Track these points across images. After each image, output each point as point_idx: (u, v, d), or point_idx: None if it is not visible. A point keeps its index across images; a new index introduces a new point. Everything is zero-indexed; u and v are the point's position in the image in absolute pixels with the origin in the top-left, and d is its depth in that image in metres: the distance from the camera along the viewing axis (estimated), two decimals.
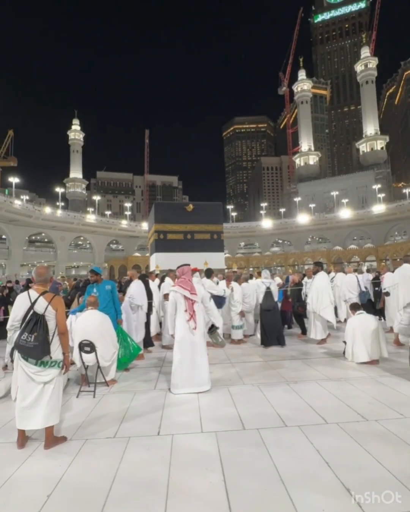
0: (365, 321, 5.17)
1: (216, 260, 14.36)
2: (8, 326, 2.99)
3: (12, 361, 4.85)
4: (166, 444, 2.84)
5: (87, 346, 4.13)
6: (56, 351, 2.86)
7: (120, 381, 4.63)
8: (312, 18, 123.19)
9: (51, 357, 2.80)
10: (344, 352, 5.42)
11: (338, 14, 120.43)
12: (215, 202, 16.14)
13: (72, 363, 4.37)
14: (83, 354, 4.16)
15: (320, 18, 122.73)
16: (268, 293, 6.65)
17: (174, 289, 4.25)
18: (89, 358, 4.17)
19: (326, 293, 6.53)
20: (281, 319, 7.20)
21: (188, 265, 4.49)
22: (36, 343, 2.69)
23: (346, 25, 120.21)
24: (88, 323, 4.30)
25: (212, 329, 4.72)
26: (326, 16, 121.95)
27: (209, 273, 7.27)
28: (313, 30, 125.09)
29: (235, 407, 3.59)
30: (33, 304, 2.78)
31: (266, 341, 6.50)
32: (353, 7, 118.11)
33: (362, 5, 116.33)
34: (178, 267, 4.48)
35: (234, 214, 65.49)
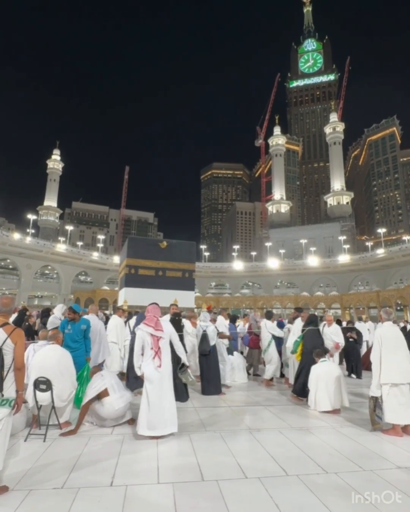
0: (328, 369, 5.26)
1: (186, 298, 14.30)
2: None
3: None
4: (119, 495, 2.65)
5: (43, 384, 3.88)
6: (9, 388, 2.68)
7: (75, 423, 4.32)
8: (288, 83, 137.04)
9: (2, 395, 2.62)
10: (307, 400, 5.42)
11: (310, 82, 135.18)
12: (189, 241, 16.43)
13: (25, 402, 4.07)
14: (38, 393, 3.90)
15: (294, 84, 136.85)
16: (204, 336, 6.40)
17: (140, 326, 4.22)
18: (44, 397, 3.90)
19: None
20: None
21: (156, 304, 4.50)
22: None
23: (317, 93, 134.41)
24: (47, 359, 4.08)
25: (182, 367, 4.62)
26: (300, 82, 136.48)
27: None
28: (288, 93, 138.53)
29: (195, 456, 3.44)
30: None
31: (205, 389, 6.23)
32: (324, 78, 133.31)
33: (331, 77, 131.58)
34: (148, 305, 4.47)
35: (206, 253, 66.38)
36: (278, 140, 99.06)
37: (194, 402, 5.61)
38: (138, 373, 4.06)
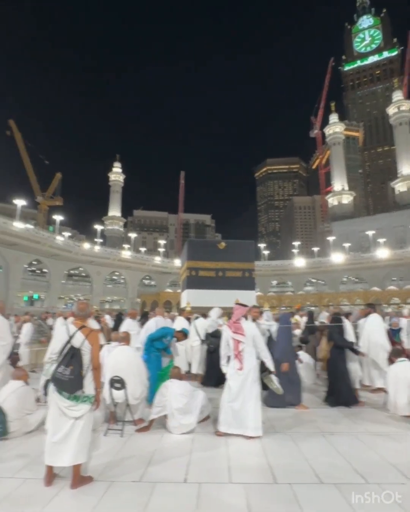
0: (408, 369, 4.82)
1: (247, 298, 14.19)
2: (46, 359, 3.13)
3: (45, 394, 4.98)
4: (193, 492, 2.72)
5: (117, 382, 4.15)
6: (88, 386, 2.91)
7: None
8: (343, 66, 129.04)
9: (83, 392, 2.85)
10: (385, 403, 5.02)
11: (368, 62, 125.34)
12: (247, 240, 16.29)
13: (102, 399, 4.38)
14: (113, 391, 4.18)
15: (350, 66, 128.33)
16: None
17: (223, 328, 4.32)
18: (118, 395, 4.17)
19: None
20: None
21: (241, 304, 4.41)
22: (71, 376, 2.77)
23: (377, 72, 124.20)
24: (119, 359, 4.36)
25: (265, 372, 4.51)
26: (357, 64, 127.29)
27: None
28: (343, 77, 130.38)
29: (266, 458, 3.39)
30: (71, 338, 2.90)
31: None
32: (383, 55, 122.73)
33: (393, 53, 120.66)
34: (234, 305, 4.47)
35: (266, 252, 65.25)
36: (336, 128, 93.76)
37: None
38: (224, 370, 4.19)
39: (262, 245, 66.39)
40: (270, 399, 5.17)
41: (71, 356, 2.81)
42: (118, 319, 8.00)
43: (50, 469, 2.87)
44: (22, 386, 4.23)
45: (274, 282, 63.07)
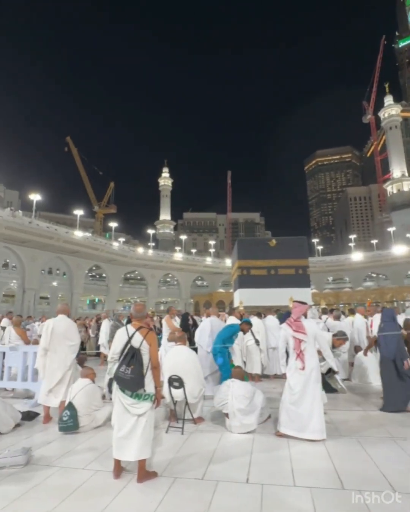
0: None
1: (302, 296, 13.74)
2: (109, 358, 3.29)
3: (109, 391, 5.26)
4: (256, 493, 2.69)
5: (176, 381, 4.25)
6: (149, 384, 3.01)
7: (208, 420, 4.60)
8: (397, 43, 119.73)
9: (145, 390, 2.96)
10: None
11: None
12: (299, 236, 15.78)
13: (162, 397, 4.52)
14: (172, 389, 4.29)
15: (406, 42, 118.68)
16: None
17: (282, 326, 4.25)
18: (177, 394, 4.27)
19: None
20: None
21: (300, 302, 4.27)
22: (132, 375, 2.89)
23: None
24: (176, 359, 4.46)
25: (329, 372, 4.35)
26: None
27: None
28: (398, 54, 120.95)
29: (331, 461, 3.24)
30: (130, 338, 3.03)
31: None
32: None
33: None
34: (293, 303, 4.36)
35: (319, 247, 62.70)
36: (391, 110, 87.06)
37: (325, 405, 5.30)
38: (283, 370, 4.11)
39: (315, 241, 63.92)
40: (391, 404, 4.80)
41: (132, 356, 2.94)
42: (185, 320, 8.11)
43: (117, 462, 3.02)
44: (90, 384, 4.51)
45: (330, 278, 60.37)
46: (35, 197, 39.57)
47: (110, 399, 4.94)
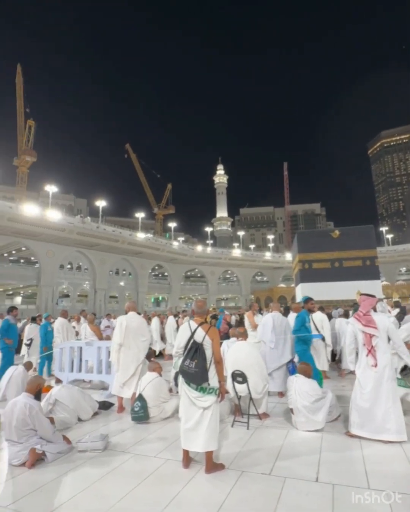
0: None
1: (371, 288, 12.84)
2: (173, 353, 3.42)
3: (175, 385, 5.47)
4: (326, 493, 2.60)
5: (239, 376, 4.27)
6: (213, 379, 3.07)
7: (273, 416, 4.55)
8: None
9: (209, 384, 3.03)
10: None
11: None
12: (365, 225, 14.78)
13: (226, 392, 4.58)
14: (236, 384, 4.32)
15: None
16: None
17: (349, 321, 4.06)
18: (241, 388, 4.29)
19: None
20: None
21: (368, 295, 4.02)
22: (196, 369, 2.98)
23: None
24: (238, 354, 4.48)
25: (405, 370, 4.06)
26: None
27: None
28: None
29: None
30: (193, 333, 3.12)
31: None
32: None
33: None
34: (360, 296, 4.15)
35: (389, 236, 58.02)
36: None
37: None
38: (351, 368, 3.92)
39: (383, 229, 59.40)
40: None
41: (195, 350, 3.03)
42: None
43: (186, 453, 3.14)
44: (157, 377, 4.74)
45: (403, 269, 55.56)
46: (101, 203, 42.57)
47: (177, 392, 5.15)
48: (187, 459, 3.15)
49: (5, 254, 39.23)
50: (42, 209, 34.02)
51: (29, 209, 32.42)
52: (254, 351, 4.56)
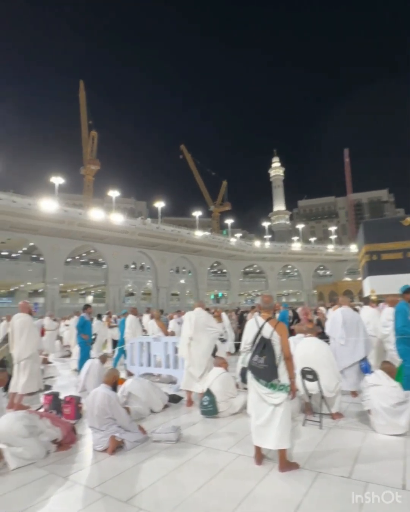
0: None
1: None
2: (241, 348, 3.41)
3: (242, 380, 5.46)
4: None
5: (309, 374, 4.11)
6: (283, 375, 2.99)
7: (347, 416, 4.31)
8: None
9: (279, 381, 2.96)
10: None
11: None
12: None
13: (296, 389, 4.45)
14: (306, 382, 4.17)
15: None
16: None
17: None
18: (312, 386, 4.13)
19: None
20: None
21: None
22: (265, 365, 2.93)
23: None
24: (307, 351, 4.31)
25: None
26: None
27: None
28: None
29: None
30: (260, 329, 3.07)
31: None
32: None
33: None
34: None
35: None
36: None
37: None
38: None
39: None
40: None
41: (263, 346, 2.97)
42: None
43: (258, 449, 3.11)
44: (224, 373, 4.78)
45: None
46: (159, 204, 44.15)
47: (244, 388, 5.14)
48: (260, 456, 3.12)
49: (77, 257, 42.59)
50: (106, 213, 36.30)
51: (95, 214, 34.79)
52: (324, 347, 4.36)
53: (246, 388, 5.00)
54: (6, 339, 6.11)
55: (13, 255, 39.03)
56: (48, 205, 31.10)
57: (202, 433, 4.01)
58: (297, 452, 3.31)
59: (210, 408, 4.47)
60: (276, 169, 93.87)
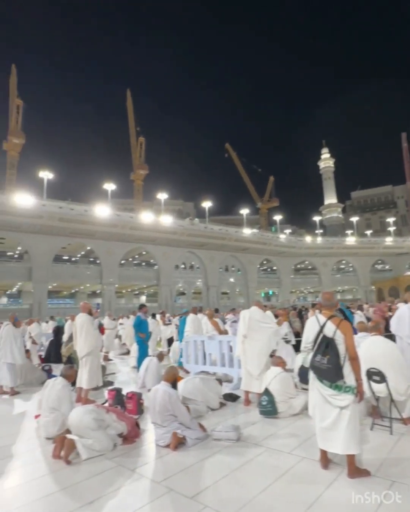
0: None
1: None
2: (302, 348, 3.30)
3: (300, 381, 5.29)
4: None
5: (376, 375, 3.85)
6: (348, 376, 2.82)
7: None
8: None
9: (344, 382, 2.80)
10: None
11: None
12: None
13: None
14: (373, 384, 3.91)
15: None
16: None
17: None
18: (379, 389, 3.86)
19: None
20: None
21: None
22: (329, 365, 2.78)
23: None
24: (373, 351, 4.04)
25: None
26: None
27: None
28: None
29: None
30: (322, 327, 2.93)
31: None
32: None
33: None
34: None
35: None
36: None
37: None
38: None
39: None
40: None
41: (326, 345, 2.83)
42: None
43: (324, 453, 2.97)
44: (282, 372, 4.66)
45: None
46: (207, 204, 44.53)
47: (303, 388, 4.97)
48: (326, 460, 2.98)
49: (130, 259, 44.47)
50: (156, 216, 37.47)
51: (146, 217, 36.07)
52: (391, 347, 4.06)
53: (304, 389, 4.86)
54: (71, 337, 6.57)
55: (73, 259, 41.86)
56: (102, 211, 32.90)
57: (262, 433, 3.94)
58: (366, 458, 3.11)
59: (269, 408, 4.38)
60: (326, 161, 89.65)
